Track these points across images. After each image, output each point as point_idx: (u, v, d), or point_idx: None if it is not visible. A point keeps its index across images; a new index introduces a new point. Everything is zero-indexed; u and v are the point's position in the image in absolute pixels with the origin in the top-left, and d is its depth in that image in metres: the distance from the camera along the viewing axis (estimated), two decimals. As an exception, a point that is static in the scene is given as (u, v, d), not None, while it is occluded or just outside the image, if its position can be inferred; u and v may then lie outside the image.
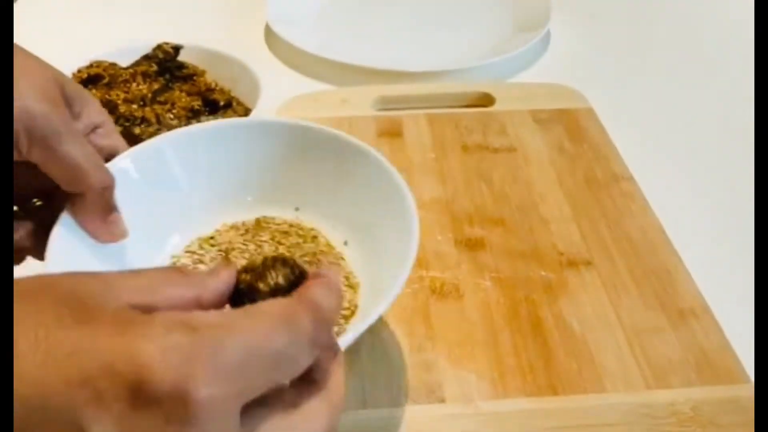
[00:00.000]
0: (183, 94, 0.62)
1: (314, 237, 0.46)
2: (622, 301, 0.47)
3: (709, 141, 0.64)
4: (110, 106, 0.59)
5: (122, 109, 0.59)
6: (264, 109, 0.59)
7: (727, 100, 0.69)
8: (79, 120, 0.40)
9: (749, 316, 0.47)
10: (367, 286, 0.43)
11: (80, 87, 0.41)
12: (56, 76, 0.38)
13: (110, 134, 0.43)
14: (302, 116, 0.63)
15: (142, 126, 0.59)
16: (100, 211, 0.39)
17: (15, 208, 0.41)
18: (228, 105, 0.61)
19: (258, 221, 0.47)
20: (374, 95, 0.66)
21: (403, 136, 0.62)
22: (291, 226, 0.46)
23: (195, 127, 0.47)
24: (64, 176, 0.37)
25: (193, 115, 0.60)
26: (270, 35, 0.78)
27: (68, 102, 0.39)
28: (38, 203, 0.41)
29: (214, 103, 0.61)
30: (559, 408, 0.41)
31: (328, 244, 0.45)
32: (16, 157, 0.36)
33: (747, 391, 0.42)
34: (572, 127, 0.63)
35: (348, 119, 0.63)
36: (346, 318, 0.41)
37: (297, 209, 0.47)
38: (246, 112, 0.60)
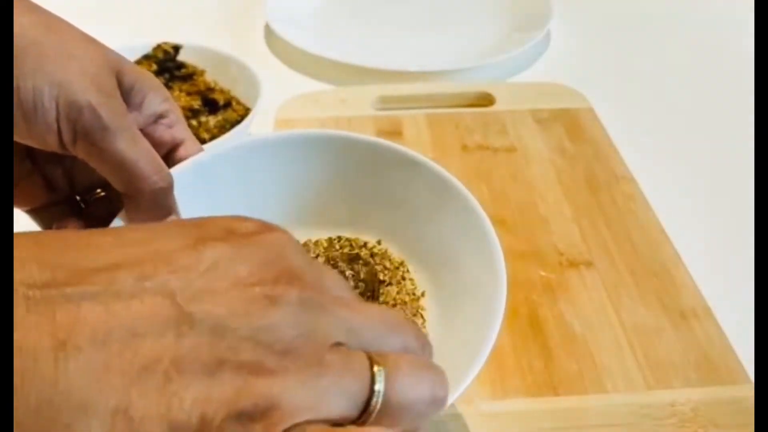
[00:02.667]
0: (182, 94, 0.62)
1: (402, 278, 0.41)
2: (623, 301, 0.47)
3: (709, 141, 0.64)
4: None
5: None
6: (263, 109, 0.59)
7: (728, 100, 0.69)
8: (140, 110, 0.37)
9: (749, 316, 0.46)
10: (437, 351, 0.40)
11: (143, 72, 0.38)
12: (113, 61, 0.36)
13: (174, 125, 0.39)
14: (302, 116, 0.63)
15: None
16: (155, 213, 0.36)
17: (77, 198, 0.39)
18: (228, 105, 0.61)
19: (331, 240, 0.43)
20: (374, 95, 0.66)
21: (403, 136, 0.61)
22: (375, 254, 0.42)
23: (283, 134, 0.43)
24: (113, 175, 0.35)
25: (192, 115, 0.60)
26: (270, 35, 0.78)
27: (126, 91, 0.36)
28: (101, 194, 0.39)
29: (213, 103, 0.61)
30: (560, 408, 0.41)
31: (413, 293, 0.41)
32: (61, 151, 0.34)
33: (747, 392, 0.42)
34: (572, 127, 0.63)
35: (348, 119, 0.63)
36: None
37: (379, 241, 0.43)
38: (246, 111, 0.60)
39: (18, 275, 0.21)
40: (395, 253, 0.42)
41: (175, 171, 0.37)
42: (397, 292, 0.40)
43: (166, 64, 0.64)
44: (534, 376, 0.43)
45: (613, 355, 0.44)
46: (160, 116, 0.38)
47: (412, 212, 0.41)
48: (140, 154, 0.35)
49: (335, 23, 0.82)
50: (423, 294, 0.41)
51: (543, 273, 0.49)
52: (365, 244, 0.43)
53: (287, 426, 0.23)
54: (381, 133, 0.62)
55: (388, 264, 0.42)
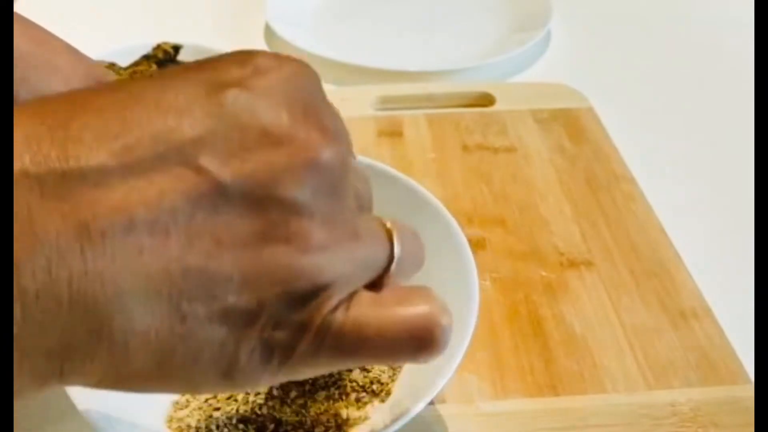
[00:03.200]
0: (183, 94, 0.62)
1: None
2: (623, 301, 0.47)
3: (709, 141, 0.64)
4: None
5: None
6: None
7: (728, 99, 0.69)
8: None
9: (749, 316, 0.46)
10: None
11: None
12: (98, 74, 0.35)
13: None
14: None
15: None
16: None
17: None
18: (228, 105, 0.61)
19: None
20: (374, 95, 0.65)
21: (403, 136, 0.61)
22: None
23: None
24: None
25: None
26: (270, 35, 0.78)
27: None
28: None
29: (213, 103, 0.61)
30: (560, 408, 0.41)
31: None
32: None
33: (748, 392, 0.42)
34: (573, 127, 0.63)
35: (348, 119, 0.62)
36: (376, 395, 0.38)
37: None
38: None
39: (28, 155, 0.19)
40: None
41: None
42: None
43: (166, 64, 0.64)
44: (534, 376, 0.43)
45: (613, 355, 0.44)
46: None
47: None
48: None
49: (335, 23, 0.82)
50: None
51: (543, 273, 0.49)
52: None
53: (338, 301, 0.23)
54: (381, 133, 0.62)
55: None
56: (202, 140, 0.20)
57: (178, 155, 0.20)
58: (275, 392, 0.37)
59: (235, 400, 0.37)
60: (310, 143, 0.22)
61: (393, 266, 0.25)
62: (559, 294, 0.48)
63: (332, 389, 0.37)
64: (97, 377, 0.21)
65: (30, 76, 0.32)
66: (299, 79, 0.23)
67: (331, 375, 0.38)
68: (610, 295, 0.48)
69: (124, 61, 0.65)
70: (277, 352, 0.22)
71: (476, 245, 0.51)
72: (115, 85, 0.22)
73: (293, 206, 0.21)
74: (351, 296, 0.23)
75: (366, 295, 0.24)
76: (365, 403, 0.37)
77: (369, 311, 0.23)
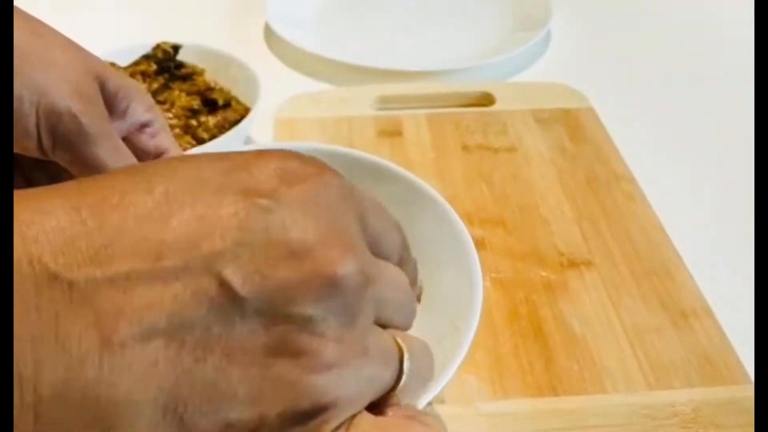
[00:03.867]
0: (182, 94, 0.61)
1: None
2: (623, 301, 0.47)
3: (709, 141, 0.64)
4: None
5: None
6: (263, 109, 0.59)
7: (728, 100, 0.69)
8: (124, 118, 0.37)
9: (749, 316, 0.46)
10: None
11: (127, 80, 0.37)
12: (96, 68, 0.35)
13: (158, 134, 0.39)
14: (302, 116, 0.63)
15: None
16: None
17: None
18: (227, 104, 0.61)
19: None
20: (374, 95, 0.65)
21: (403, 136, 0.61)
22: None
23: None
24: None
25: (192, 115, 0.60)
26: (270, 35, 0.78)
27: (110, 98, 0.36)
28: None
29: (213, 103, 0.61)
30: (560, 409, 0.41)
31: None
32: (41, 156, 0.34)
33: (748, 392, 0.42)
34: (573, 127, 0.63)
35: (348, 119, 0.63)
36: None
37: None
38: (245, 111, 0.60)
39: (62, 258, 0.19)
40: None
41: None
42: None
43: (166, 63, 0.64)
44: (534, 377, 0.43)
45: (614, 355, 0.44)
46: (144, 125, 0.38)
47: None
48: (121, 162, 0.35)
49: (335, 23, 0.82)
50: None
51: (543, 273, 0.49)
52: None
53: (339, 422, 0.22)
54: (381, 133, 0.62)
55: None
56: (230, 253, 0.20)
57: (205, 266, 0.20)
58: None
59: None
60: (330, 261, 0.22)
61: (400, 385, 0.25)
62: (559, 294, 0.48)
63: None
64: None
65: (26, 71, 0.32)
66: (329, 190, 0.23)
67: None
68: (610, 295, 0.48)
69: (123, 61, 0.65)
70: None
71: (476, 245, 0.51)
72: (151, 180, 0.21)
73: (305, 324, 0.21)
74: (353, 417, 0.23)
75: (368, 420, 0.24)
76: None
77: None
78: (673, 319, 0.46)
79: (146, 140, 0.38)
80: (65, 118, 0.33)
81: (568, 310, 0.47)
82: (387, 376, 0.24)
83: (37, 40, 0.33)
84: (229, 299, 0.20)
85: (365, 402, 0.24)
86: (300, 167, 0.23)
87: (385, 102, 0.65)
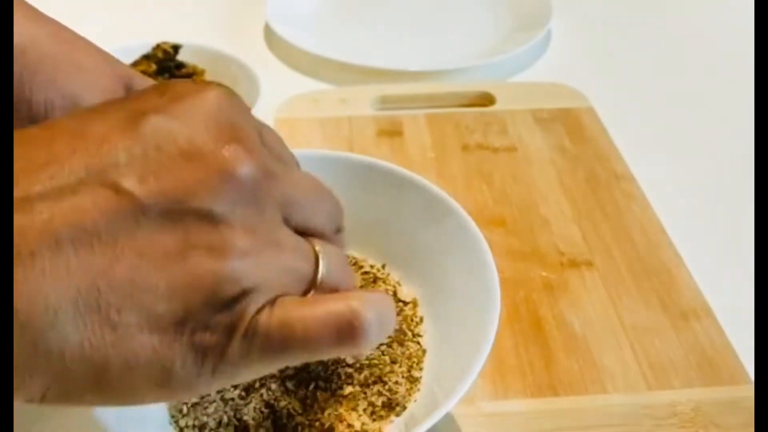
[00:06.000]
0: (182, 94, 0.61)
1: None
2: (623, 301, 0.47)
3: (710, 141, 0.64)
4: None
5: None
6: (263, 109, 0.59)
7: (728, 99, 0.69)
8: None
9: (749, 316, 0.46)
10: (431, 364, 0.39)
11: (152, 84, 0.39)
12: (122, 73, 0.36)
13: None
14: (302, 116, 0.63)
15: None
16: None
17: None
18: (228, 105, 0.61)
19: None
20: (374, 95, 0.65)
21: (403, 136, 0.61)
22: (378, 278, 0.43)
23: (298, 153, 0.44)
24: None
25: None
26: (269, 34, 0.78)
27: None
28: None
29: (213, 103, 0.61)
30: (560, 409, 0.41)
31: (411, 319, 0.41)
32: None
33: (748, 392, 0.42)
34: (573, 127, 0.63)
35: (347, 119, 0.63)
36: (392, 410, 0.37)
37: (384, 266, 0.43)
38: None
39: None
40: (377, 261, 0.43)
41: None
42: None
43: (166, 63, 0.64)
44: (534, 377, 0.43)
45: (614, 355, 0.44)
46: None
47: (404, 231, 0.42)
48: None
49: (335, 23, 0.82)
50: (415, 302, 0.41)
51: (543, 273, 0.49)
52: (372, 267, 0.43)
53: (263, 303, 0.24)
54: (381, 132, 0.62)
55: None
56: (120, 163, 0.22)
57: (99, 178, 0.22)
58: (289, 385, 0.37)
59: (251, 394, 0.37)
60: (225, 158, 0.23)
61: (319, 279, 0.26)
62: (560, 294, 0.48)
63: (347, 400, 0.37)
64: (40, 392, 0.22)
65: (57, 78, 0.33)
66: (217, 101, 0.25)
67: (347, 386, 0.37)
68: (610, 295, 0.48)
69: (123, 61, 0.64)
70: (209, 356, 0.23)
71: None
72: (49, 122, 0.24)
73: (210, 217, 0.23)
74: (276, 299, 0.24)
75: (291, 297, 0.25)
76: (380, 417, 0.36)
77: (294, 310, 0.24)
78: (673, 319, 0.46)
79: None
80: None
81: (568, 310, 0.47)
82: (305, 269, 0.26)
83: (65, 47, 0.33)
84: (129, 203, 0.22)
85: (285, 289, 0.25)
86: (185, 87, 0.25)
87: (385, 102, 0.65)
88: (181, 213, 0.22)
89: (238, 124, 0.25)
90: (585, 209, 0.54)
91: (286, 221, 0.26)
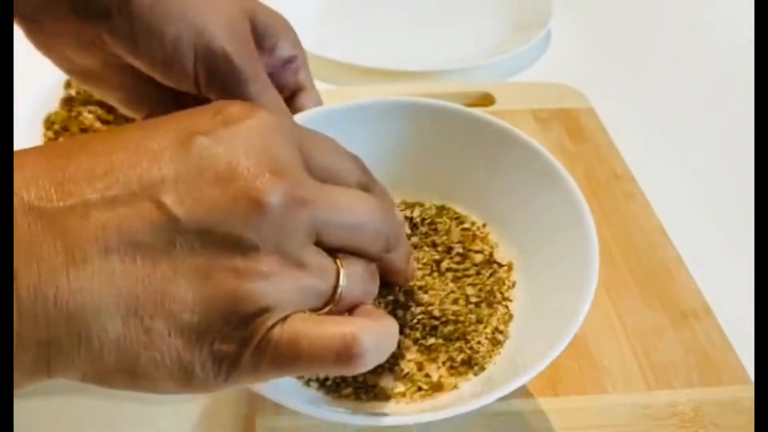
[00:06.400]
0: (183, 94, 0.62)
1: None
2: (623, 301, 0.47)
3: (710, 141, 0.64)
4: (109, 106, 0.59)
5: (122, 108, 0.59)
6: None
7: (728, 99, 0.69)
8: (272, 54, 0.39)
9: (749, 316, 0.46)
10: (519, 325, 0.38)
11: (276, 16, 0.40)
12: (248, 7, 0.37)
13: (300, 69, 0.41)
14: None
15: (142, 126, 0.58)
16: None
17: None
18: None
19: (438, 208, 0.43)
20: (375, 95, 0.65)
21: (404, 136, 0.61)
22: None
23: (375, 100, 0.43)
24: None
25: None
26: (270, 35, 0.78)
27: (259, 36, 0.38)
28: None
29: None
30: (560, 409, 0.41)
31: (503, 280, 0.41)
32: (197, 93, 0.36)
33: (748, 392, 0.42)
34: (573, 127, 0.63)
35: (348, 119, 0.63)
36: (471, 368, 0.37)
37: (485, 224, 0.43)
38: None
39: (33, 191, 0.23)
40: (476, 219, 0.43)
41: (297, 118, 0.39)
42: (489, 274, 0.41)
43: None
44: (534, 377, 0.43)
45: (614, 355, 0.44)
46: (288, 60, 0.40)
47: (511, 192, 0.42)
48: (269, 101, 0.37)
49: (335, 23, 0.82)
50: (510, 265, 0.41)
51: (543, 273, 0.49)
52: (473, 224, 0.43)
53: (277, 319, 0.26)
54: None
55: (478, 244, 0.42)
56: (167, 181, 0.24)
57: (146, 193, 0.24)
58: None
59: None
60: (258, 187, 0.25)
61: (337, 296, 0.28)
62: (560, 294, 0.48)
63: (429, 351, 0.37)
64: (80, 374, 0.25)
65: (186, 12, 0.34)
66: (262, 129, 0.26)
67: (430, 337, 0.38)
68: (610, 295, 0.48)
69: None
70: (224, 363, 0.26)
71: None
72: (109, 132, 0.26)
73: (238, 242, 0.25)
74: (289, 316, 0.27)
75: (302, 315, 0.27)
76: (458, 373, 0.37)
77: (303, 327, 0.27)
78: (673, 319, 0.46)
79: (289, 76, 0.41)
80: (220, 59, 0.35)
81: (568, 310, 0.47)
82: (322, 287, 0.28)
83: None
84: (168, 220, 0.24)
85: (302, 305, 0.27)
86: (238, 111, 0.27)
87: (385, 102, 0.65)
88: (212, 235, 0.25)
89: (278, 153, 0.26)
90: (585, 209, 0.54)
91: (320, 242, 0.28)
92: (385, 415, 0.34)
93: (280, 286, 0.26)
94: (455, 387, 0.36)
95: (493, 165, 0.42)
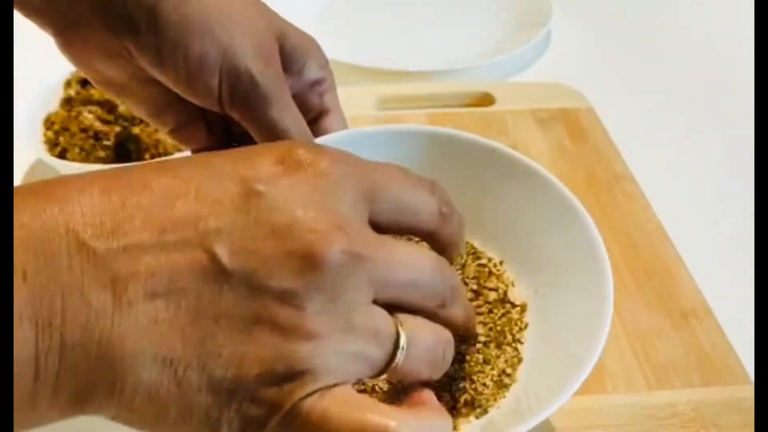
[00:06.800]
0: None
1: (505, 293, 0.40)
2: (624, 301, 0.47)
3: (710, 141, 0.64)
4: (109, 106, 0.59)
5: (122, 108, 0.59)
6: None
7: (728, 99, 0.69)
8: (299, 76, 0.39)
9: (749, 317, 0.46)
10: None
11: (305, 38, 0.39)
12: (277, 27, 0.37)
13: (327, 92, 0.41)
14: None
15: (141, 125, 0.59)
16: None
17: (234, 144, 0.40)
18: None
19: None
20: (375, 95, 0.65)
21: (404, 136, 0.61)
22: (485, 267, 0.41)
23: (397, 128, 0.42)
24: (263, 140, 0.36)
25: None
26: (270, 35, 0.78)
27: (287, 56, 0.38)
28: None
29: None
30: (560, 409, 0.41)
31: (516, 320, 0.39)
32: (217, 110, 0.36)
33: (748, 392, 0.42)
34: (573, 127, 0.63)
35: (348, 119, 0.63)
36: (473, 410, 0.36)
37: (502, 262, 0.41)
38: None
39: (91, 229, 0.23)
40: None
41: (319, 141, 0.38)
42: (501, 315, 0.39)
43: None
44: (534, 377, 0.43)
45: (614, 355, 0.44)
46: (316, 83, 0.40)
47: (529, 228, 0.40)
48: (291, 124, 0.37)
49: (335, 23, 0.82)
50: (524, 306, 0.39)
51: (543, 273, 0.49)
52: (489, 260, 0.42)
53: (314, 389, 0.24)
54: (381, 133, 0.62)
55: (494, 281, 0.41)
56: (222, 232, 0.24)
57: (200, 242, 0.24)
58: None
59: None
60: (312, 242, 0.24)
61: (392, 366, 0.26)
62: (560, 294, 0.48)
63: (431, 389, 0.36)
64: (111, 415, 0.24)
65: (214, 30, 0.34)
66: (326, 177, 0.25)
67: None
68: (610, 295, 0.48)
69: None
70: (251, 427, 0.25)
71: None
72: (170, 168, 0.25)
73: (285, 297, 0.24)
74: (329, 388, 0.25)
75: (340, 392, 0.25)
76: (460, 413, 0.35)
77: (336, 408, 0.25)
78: (673, 319, 0.46)
79: (315, 98, 0.40)
80: (244, 78, 0.35)
81: (568, 310, 0.46)
82: (376, 355, 0.26)
83: (226, 4, 0.35)
84: (218, 271, 0.23)
85: (349, 376, 0.25)
86: (301, 156, 0.26)
87: (385, 102, 0.65)
88: (260, 289, 0.24)
89: (338, 206, 0.25)
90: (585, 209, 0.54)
91: (377, 300, 0.26)
92: None
93: (324, 350, 0.24)
94: (455, 429, 0.35)
95: (512, 199, 0.41)
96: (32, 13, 0.36)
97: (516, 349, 0.37)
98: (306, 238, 0.24)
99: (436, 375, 0.28)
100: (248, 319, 0.24)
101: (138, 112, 0.40)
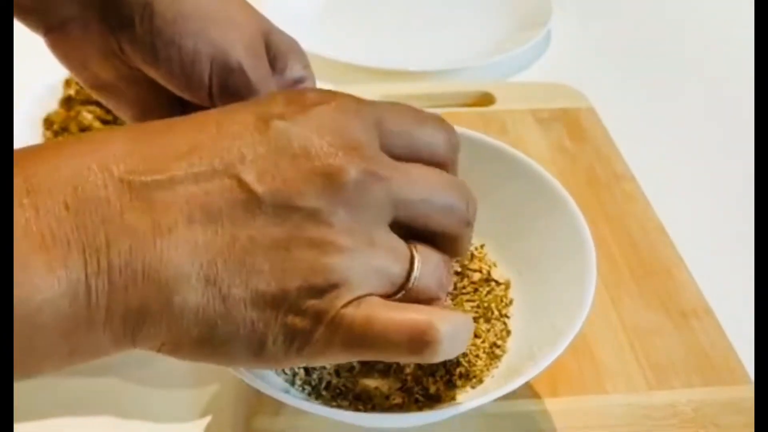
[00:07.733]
0: (183, 94, 0.62)
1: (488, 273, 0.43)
2: (624, 301, 0.47)
3: (710, 141, 0.64)
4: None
5: (122, 108, 0.59)
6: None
7: (728, 99, 0.69)
8: (282, 75, 0.40)
9: (749, 316, 0.46)
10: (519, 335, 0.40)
11: (288, 39, 0.41)
12: (264, 27, 0.39)
13: None
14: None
15: (142, 126, 0.58)
16: None
17: None
18: (228, 104, 0.61)
19: None
20: (375, 95, 0.65)
21: (403, 136, 0.61)
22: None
23: None
24: None
25: (192, 115, 0.60)
26: (270, 35, 0.78)
27: (273, 56, 0.39)
28: None
29: (213, 103, 0.61)
30: (560, 409, 0.41)
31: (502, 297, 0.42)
32: (207, 103, 0.37)
33: (748, 392, 0.42)
34: (573, 127, 0.63)
35: (348, 119, 0.63)
36: (468, 380, 0.38)
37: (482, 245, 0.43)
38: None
39: (123, 166, 0.25)
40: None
41: None
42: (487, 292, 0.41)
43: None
44: (534, 377, 0.43)
45: (614, 355, 0.44)
46: (297, 81, 0.42)
47: (510, 212, 0.42)
48: None
49: (335, 22, 0.82)
50: (507, 283, 0.42)
51: (543, 273, 0.49)
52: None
53: (351, 298, 0.27)
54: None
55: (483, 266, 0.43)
56: (247, 159, 0.26)
57: (228, 170, 0.26)
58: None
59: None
60: (332, 164, 0.26)
61: (410, 283, 0.28)
62: (560, 294, 0.48)
63: (427, 365, 0.37)
64: (159, 342, 0.26)
65: (210, 29, 0.36)
66: (336, 112, 0.28)
67: None
68: (610, 295, 0.48)
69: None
70: (297, 338, 0.26)
71: (476, 245, 0.51)
72: (191, 116, 0.28)
73: (314, 216, 0.26)
74: (364, 297, 0.27)
75: (378, 298, 0.27)
76: (456, 386, 0.37)
77: (378, 311, 0.27)
78: (673, 319, 0.46)
79: None
80: (235, 71, 0.37)
81: (568, 310, 0.47)
82: (395, 270, 0.28)
83: (221, 3, 0.37)
84: (248, 195, 0.26)
85: (374, 288, 0.27)
86: (314, 96, 0.28)
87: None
88: (289, 209, 0.26)
89: (352, 132, 0.27)
90: (585, 209, 0.54)
91: (396, 221, 0.28)
92: (387, 415, 0.35)
93: (353, 262, 0.26)
94: (453, 399, 0.36)
95: (490, 184, 0.42)
96: (21, 13, 0.37)
97: (504, 323, 0.40)
98: (325, 159, 0.26)
99: (443, 293, 0.30)
100: (283, 237, 0.26)
101: (124, 115, 0.41)
